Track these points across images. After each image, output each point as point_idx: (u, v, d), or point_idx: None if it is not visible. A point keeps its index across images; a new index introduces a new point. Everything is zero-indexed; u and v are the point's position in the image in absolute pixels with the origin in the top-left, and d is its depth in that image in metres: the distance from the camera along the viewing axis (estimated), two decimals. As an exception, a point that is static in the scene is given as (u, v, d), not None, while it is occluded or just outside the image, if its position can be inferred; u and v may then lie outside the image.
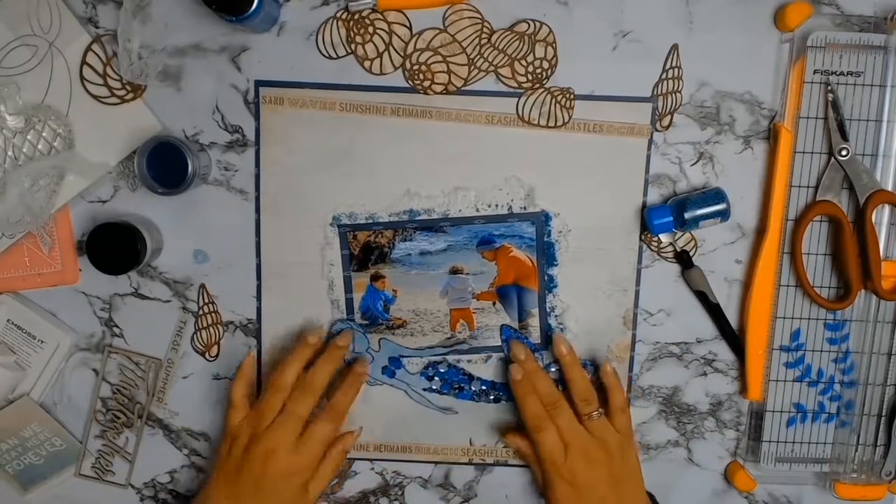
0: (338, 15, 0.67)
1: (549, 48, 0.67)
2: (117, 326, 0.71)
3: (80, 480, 0.73)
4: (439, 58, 0.67)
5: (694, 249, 0.69)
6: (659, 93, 0.67)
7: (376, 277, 0.70)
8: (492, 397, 0.71)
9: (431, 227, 0.69)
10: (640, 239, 0.69)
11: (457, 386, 0.71)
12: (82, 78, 0.67)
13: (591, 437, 0.65)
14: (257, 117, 0.68)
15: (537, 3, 0.66)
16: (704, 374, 0.71)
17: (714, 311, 0.70)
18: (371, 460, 0.73)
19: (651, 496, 0.70)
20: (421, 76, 0.67)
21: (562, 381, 0.71)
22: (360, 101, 0.68)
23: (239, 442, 0.65)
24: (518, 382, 0.67)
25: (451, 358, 0.71)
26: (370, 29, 0.67)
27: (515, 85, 0.67)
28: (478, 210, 0.69)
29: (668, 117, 0.68)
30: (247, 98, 0.68)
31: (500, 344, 0.71)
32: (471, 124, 0.68)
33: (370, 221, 0.69)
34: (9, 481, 0.73)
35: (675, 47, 0.67)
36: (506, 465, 0.73)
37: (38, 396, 0.71)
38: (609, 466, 0.65)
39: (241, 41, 0.67)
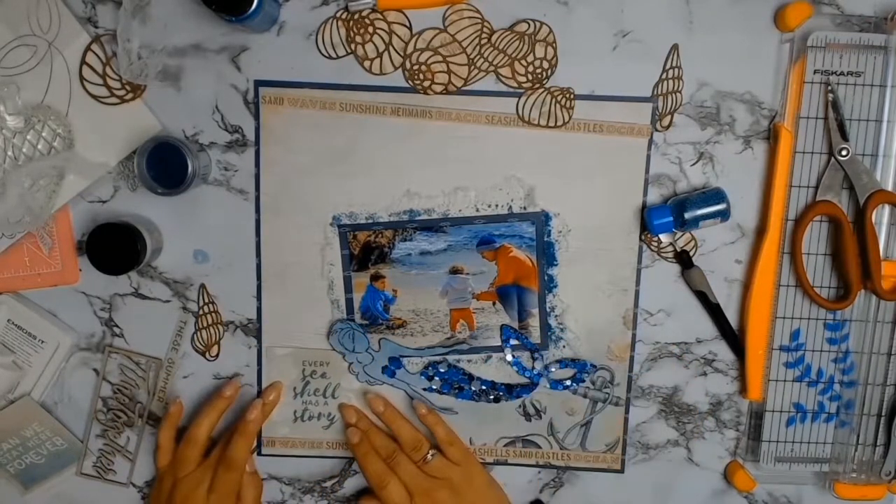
0: (338, 15, 0.67)
1: (549, 48, 0.67)
2: (117, 326, 0.71)
3: (82, 480, 0.73)
4: (439, 58, 0.67)
5: (694, 249, 0.69)
6: (659, 93, 0.67)
7: (376, 277, 0.70)
8: (492, 397, 0.71)
9: (431, 227, 0.69)
10: (640, 239, 0.69)
11: (457, 386, 0.71)
12: (82, 78, 0.67)
13: (433, 480, 0.68)
14: (257, 117, 0.68)
15: (537, 3, 0.66)
16: (704, 374, 0.71)
17: (714, 311, 0.70)
18: (371, 460, 0.73)
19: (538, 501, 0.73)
20: (421, 76, 0.67)
21: (559, 385, 0.71)
22: (360, 101, 0.68)
23: (164, 484, 0.69)
24: (356, 445, 0.69)
25: (451, 358, 0.71)
26: (370, 29, 0.67)
27: (515, 85, 0.67)
28: (478, 210, 0.69)
29: (668, 117, 0.68)
30: (247, 98, 0.68)
31: (500, 344, 0.71)
32: (471, 124, 0.68)
33: (370, 221, 0.69)
34: (9, 480, 0.73)
35: (675, 47, 0.67)
36: (506, 464, 0.73)
37: (39, 396, 0.71)
38: (458, 500, 0.68)
39: (241, 41, 0.67)
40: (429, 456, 0.68)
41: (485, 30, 0.66)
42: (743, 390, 0.71)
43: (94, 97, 0.67)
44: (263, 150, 0.68)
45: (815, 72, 0.66)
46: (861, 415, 0.70)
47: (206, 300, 0.70)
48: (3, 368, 0.69)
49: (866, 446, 0.70)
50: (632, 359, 0.71)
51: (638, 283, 0.70)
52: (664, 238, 0.69)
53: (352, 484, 0.74)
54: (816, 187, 0.67)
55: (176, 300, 0.71)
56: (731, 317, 0.70)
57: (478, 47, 0.67)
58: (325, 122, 0.68)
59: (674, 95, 0.67)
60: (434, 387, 0.71)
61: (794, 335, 0.69)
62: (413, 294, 0.70)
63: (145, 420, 0.72)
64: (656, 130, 0.68)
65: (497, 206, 0.69)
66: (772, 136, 0.68)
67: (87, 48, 0.67)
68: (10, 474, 0.72)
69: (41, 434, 0.71)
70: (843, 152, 0.66)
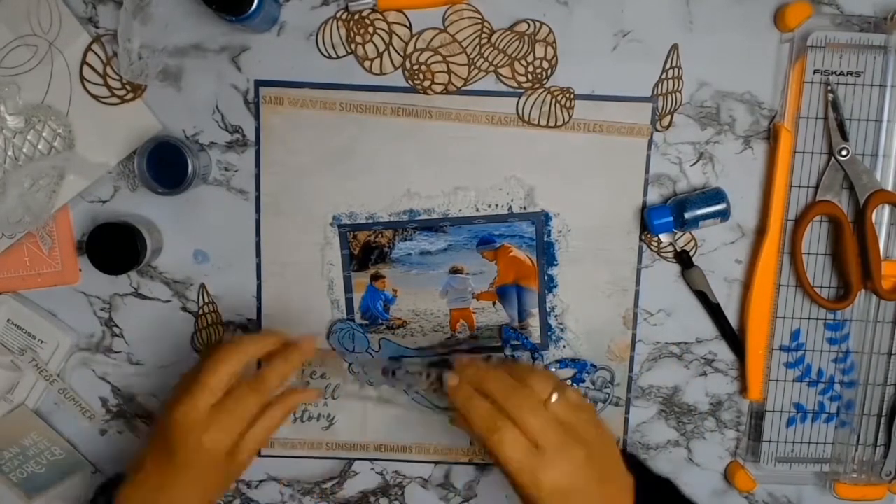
0: (338, 15, 0.67)
1: (549, 48, 0.67)
2: (117, 326, 0.71)
3: (82, 479, 0.73)
4: (439, 58, 0.67)
5: (694, 249, 0.69)
6: (659, 93, 0.67)
7: (376, 277, 0.70)
8: (492, 397, 0.71)
9: (431, 226, 0.69)
10: (640, 239, 0.69)
11: (457, 386, 0.71)
12: (82, 78, 0.67)
13: (563, 431, 0.54)
14: (257, 117, 0.68)
15: (537, 3, 0.66)
16: (704, 374, 0.71)
17: (714, 311, 0.69)
18: (371, 460, 0.73)
19: (632, 456, 0.67)
20: (421, 76, 0.67)
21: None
22: (360, 101, 0.68)
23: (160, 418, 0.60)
24: (455, 388, 0.57)
25: (451, 358, 0.71)
26: (370, 29, 0.67)
27: (515, 85, 0.67)
28: (478, 210, 0.69)
29: (668, 117, 0.68)
30: (247, 98, 0.68)
31: (499, 344, 0.71)
32: (471, 124, 0.68)
33: (370, 221, 0.69)
34: (11, 489, 0.72)
35: (675, 47, 0.67)
36: (506, 465, 0.73)
37: (39, 397, 0.71)
38: (593, 464, 0.54)
39: (241, 41, 0.67)
40: (553, 397, 0.54)
41: (485, 30, 0.67)
42: (743, 390, 0.71)
43: (95, 97, 0.67)
44: (263, 150, 0.68)
45: (814, 72, 0.66)
46: (861, 415, 0.70)
47: (206, 300, 0.70)
48: (3, 368, 0.69)
49: (867, 446, 0.70)
50: (632, 359, 0.71)
51: (638, 283, 0.70)
52: (664, 238, 0.69)
53: (351, 485, 0.73)
54: (816, 187, 0.67)
55: (176, 300, 0.71)
56: (731, 317, 0.70)
57: (478, 47, 0.67)
58: (325, 122, 0.68)
59: (674, 95, 0.67)
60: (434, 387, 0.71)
61: (795, 335, 0.69)
62: (413, 294, 0.70)
63: (144, 420, 0.72)
64: (656, 130, 0.68)
65: (497, 206, 0.69)
66: (772, 136, 0.68)
67: (88, 48, 0.67)
68: (13, 483, 0.72)
69: (39, 444, 0.71)
70: (843, 152, 0.66)
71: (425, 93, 0.67)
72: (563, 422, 0.54)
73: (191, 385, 0.58)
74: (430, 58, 0.67)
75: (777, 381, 0.70)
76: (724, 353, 0.71)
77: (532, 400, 0.54)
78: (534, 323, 0.71)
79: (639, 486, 0.58)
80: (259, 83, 0.68)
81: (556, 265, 0.70)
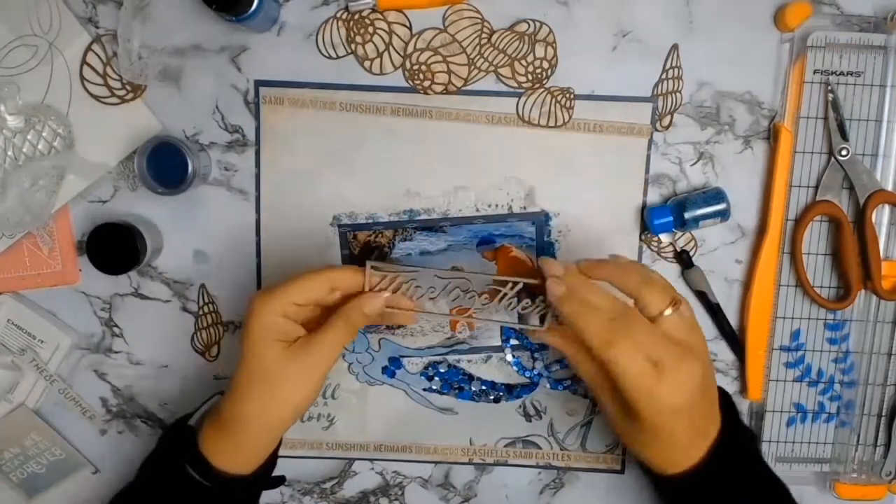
0: (338, 15, 0.67)
1: (549, 48, 0.67)
2: (117, 326, 0.71)
3: (82, 479, 0.73)
4: (439, 58, 0.67)
5: (694, 249, 0.69)
6: (659, 93, 0.67)
7: (376, 277, 0.70)
8: (492, 397, 0.71)
9: (431, 227, 0.69)
10: (640, 239, 0.69)
11: (457, 386, 0.71)
12: (82, 78, 0.67)
13: (676, 345, 0.51)
14: (257, 117, 0.68)
15: (537, 3, 0.66)
16: (704, 374, 0.71)
17: (714, 311, 0.69)
18: (371, 460, 0.73)
19: (724, 393, 0.61)
20: (421, 76, 0.67)
21: (559, 385, 0.71)
22: (360, 101, 0.68)
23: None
24: (562, 299, 0.52)
25: (451, 358, 0.71)
26: (370, 29, 0.67)
27: (515, 85, 0.67)
28: (478, 210, 0.69)
29: (668, 117, 0.68)
30: (247, 98, 0.68)
31: (500, 344, 0.71)
32: (471, 124, 0.68)
33: (370, 221, 0.69)
34: (13, 488, 0.72)
35: (675, 47, 0.67)
36: (506, 464, 0.73)
37: (39, 397, 0.71)
38: (707, 374, 0.52)
39: (241, 41, 0.67)
40: (667, 312, 0.51)
41: (485, 30, 0.67)
42: (743, 390, 0.71)
43: (95, 97, 0.67)
44: (263, 150, 0.69)
45: (814, 72, 0.66)
46: (861, 415, 0.70)
47: (206, 300, 0.70)
48: (3, 368, 0.69)
49: (867, 446, 0.70)
50: (632, 359, 0.71)
51: (638, 283, 0.70)
52: (664, 238, 0.69)
53: (351, 485, 0.73)
54: (816, 187, 0.67)
55: (176, 300, 0.71)
56: (731, 317, 0.70)
57: (478, 47, 0.67)
58: (325, 122, 0.68)
59: (674, 95, 0.67)
60: (434, 387, 0.71)
61: (795, 335, 0.69)
62: (413, 294, 0.70)
63: (145, 421, 0.72)
64: (656, 130, 0.68)
65: (497, 206, 0.69)
66: (772, 136, 0.68)
67: (88, 48, 0.67)
68: (14, 483, 0.72)
69: (40, 444, 0.71)
70: (843, 152, 0.66)
71: (425, 93, 0.67)
72: (677, 340, 0.52)
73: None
74: (430, 58, 0.67)
75: (777, 380, 0.70)
76: (724, 352, 0.71)
77: (643, 321, 0.51)
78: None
79: (724, 427, 0.56)
80: (259, 83, 0.68)
81: (556, 265, 0.70)
